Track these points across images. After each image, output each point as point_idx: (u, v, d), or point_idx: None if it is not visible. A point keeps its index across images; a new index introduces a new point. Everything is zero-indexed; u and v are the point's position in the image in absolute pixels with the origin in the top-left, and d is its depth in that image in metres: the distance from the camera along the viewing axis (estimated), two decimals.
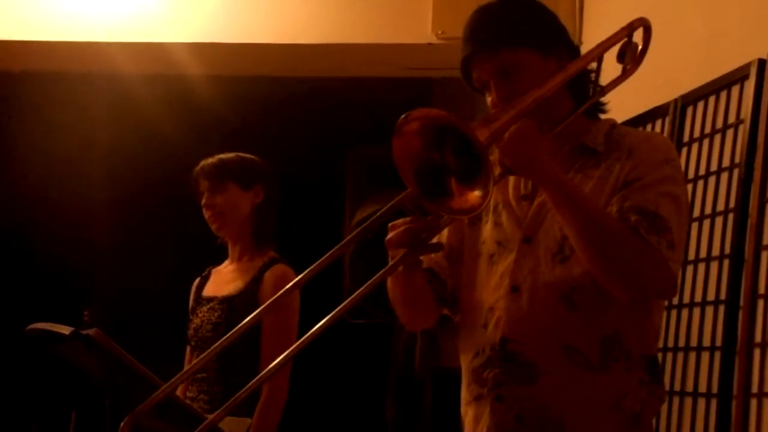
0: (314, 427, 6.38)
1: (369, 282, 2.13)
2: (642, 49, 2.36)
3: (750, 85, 3.08)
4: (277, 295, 2.28)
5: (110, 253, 6.45)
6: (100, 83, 5.66)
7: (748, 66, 3.10)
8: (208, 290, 3.64)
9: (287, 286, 2.26)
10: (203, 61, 4.97)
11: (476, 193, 1.98)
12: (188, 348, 3.64)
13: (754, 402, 2.92)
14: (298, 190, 6.78)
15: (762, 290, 2.93)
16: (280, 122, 6.43)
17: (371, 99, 6.04)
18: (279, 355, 3.31)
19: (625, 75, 2.37)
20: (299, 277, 2.18)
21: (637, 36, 2.36)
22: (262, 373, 2.17)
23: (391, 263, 2.20)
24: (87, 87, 5.71)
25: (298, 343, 2.08)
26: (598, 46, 2.30)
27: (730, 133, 3.21)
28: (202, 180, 3.63)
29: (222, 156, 3.65)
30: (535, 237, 2.26)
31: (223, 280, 3.63)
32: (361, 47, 4.87)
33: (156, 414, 2.28)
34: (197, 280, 3.73)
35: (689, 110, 3.47)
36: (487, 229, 2.35)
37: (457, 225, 2.38)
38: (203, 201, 3.62)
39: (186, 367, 3.65)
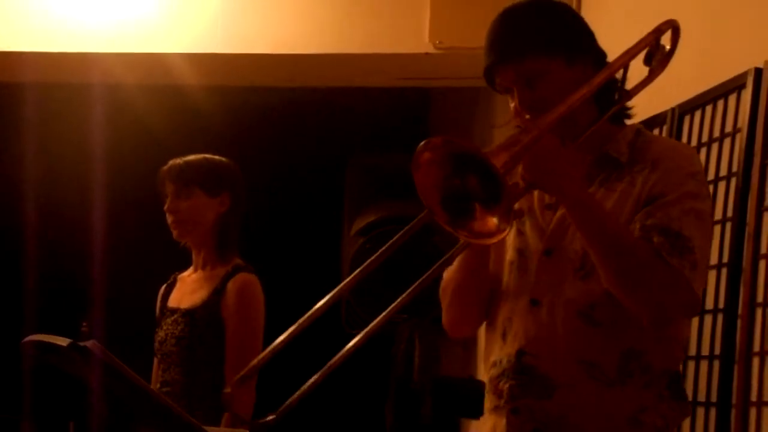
0: None
1: (444, 257, 2.12)
2: (670, 50, 2.30)
3: (747, 94, 3.08)
4: (299, 323, 2.16)
5: (109, 263, 6.44)
6: (98, 94, 5.66)
7: (744, 75, 3.10)
8: (173, 300, 3.56)
9: (305, 317, 2.18)
10: (201, 71, 4.98)
11: (495, 221, 1.95)
12: (155, 360, 3.57)
13: (753, 411, 2.91)
14: (296, 200, 6.79)
15: (760, 299, 2.92)
16: (279, 132, 6.43)
17: (369, 109, 6.06)
18: (243, 368, 3.27)
19: (651, 77, 2.31)
20: (310, 313, 2.11)
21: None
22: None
23: (457, 246, 2.17)
24: (85, 97, 5.71)
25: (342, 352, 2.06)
26: (626, 53, 2.25)
27: (727, 141, 3.21)
28: (168, 182, 3.52)
29: (189, 158, 3.54)
30: (557, 250, 2.23)
31: (187, 289, 3.55)
32: (358, 57, 4.88)
33: (152, 424, 2.27)
34: (163, 288, 3.64)
35: (686, 119, 3.47)
36: (511, 237, 2.31)
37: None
38: (166, 205, 3.51)
39: (154, 379, 3.57)
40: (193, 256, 3.59)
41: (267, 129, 6.39)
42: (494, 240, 2.00)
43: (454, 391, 3.72)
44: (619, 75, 2.28)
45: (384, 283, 5.07)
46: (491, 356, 2.32)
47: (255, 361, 2.07)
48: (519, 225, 2.31)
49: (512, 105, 2.26)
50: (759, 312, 2.92)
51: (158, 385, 3.49)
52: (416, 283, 2.13)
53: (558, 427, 2.18)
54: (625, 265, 2.09)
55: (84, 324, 3.69)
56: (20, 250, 6.30)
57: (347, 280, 2.16)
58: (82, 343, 2.08)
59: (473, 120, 5.67)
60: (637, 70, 2.32)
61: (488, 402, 2.32)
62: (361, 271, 2.13)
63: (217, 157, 3.59)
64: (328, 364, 2.08)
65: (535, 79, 2.20)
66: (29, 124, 6.15)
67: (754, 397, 2.91)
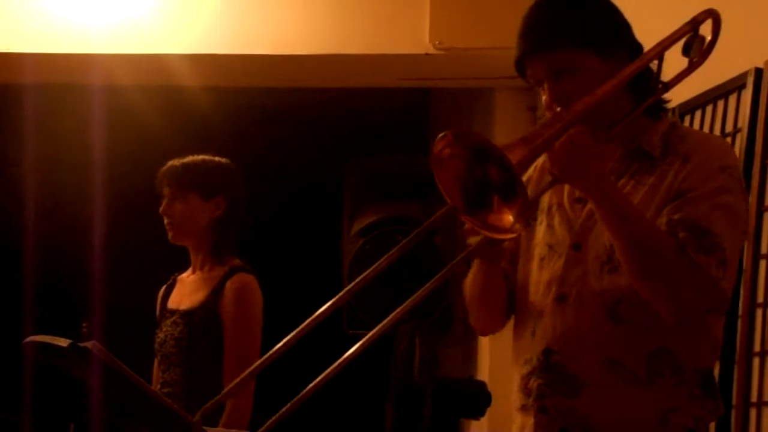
0: None
1: (440, 273, 2.10)
2: (711, 41, 2.23)
3: (747, 94, 3.08)
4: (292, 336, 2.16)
5: (108, 264, 6.44)
6: (98, 95, 5.66)
7: (745, 75, 3.10)
8: (172, 301, 3.58)
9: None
10: (201, 72, 4.97)
11: (510, 217, 1.93)
12: (156, 361, 3.58)
13: (753, 411, 2.91)
14: (296, 200, 6.78)
15: (760, 299, 2.92)
16: (278, 133, 6.43)
17: (369, 109, 6.05)
18: (241, 368, 3.32)
19: (691, 68, 2.24)
20: (321, 310, 2.10)
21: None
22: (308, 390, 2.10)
23: (463, 253, 2.18)
24: (84, 98, 5.70)
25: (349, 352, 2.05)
26: (659, 44, 2.20)
27: (727, 141, 3.21)
28: (164, 185, 3.55)
29: (188, 161, 3.57)
30: (585, 243, 2.20)
31: (186, 291, 3.57)
32: (358, 58, 4.87)
33: (151, 424, 2.27)
34: (162, 290, 3.66)
35: (687, 119, 3.47)
36: (540, 231, 2.29)
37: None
38: (161, 207, 3.55)
39: (154, 380, 3.59)
40: (191, 258, 3.60)
41: (267, 130, 6.38)
42: (508, 236, 1.98)
43: (455, 391, 3.71)
44: (654, 67, 2.23)
45: (384, 283, 5.08)
46: (522, 354, 2.28)
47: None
48: (549, 219, 2.28)
49: (544, 98, 2.22)
50: (759, 312, 2.92)
51: (159, 386, 3.51)
52: (409, 299, 2.11)
53: (584, 427, 2.16)
54: (648, 260, 2.06)
55: (84, 324, 3.71)
56: (20, 250, 6.29)
57: (359, 278, 2.15)
58: (82, 344, 2.08)
59: (473, 120, 5.67)
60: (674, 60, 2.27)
61: (516, 400, 2.30)
62: (376, 267, 2.15)
63: (216, 159, 3.60)
64: (324, 374, 2.06)
65: (565, 73, 2.17)
66: (28, 126, 6.15)
67: (754, 398, 2.91)
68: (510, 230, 1.95)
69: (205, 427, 2.24)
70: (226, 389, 2.08)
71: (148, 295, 3.76)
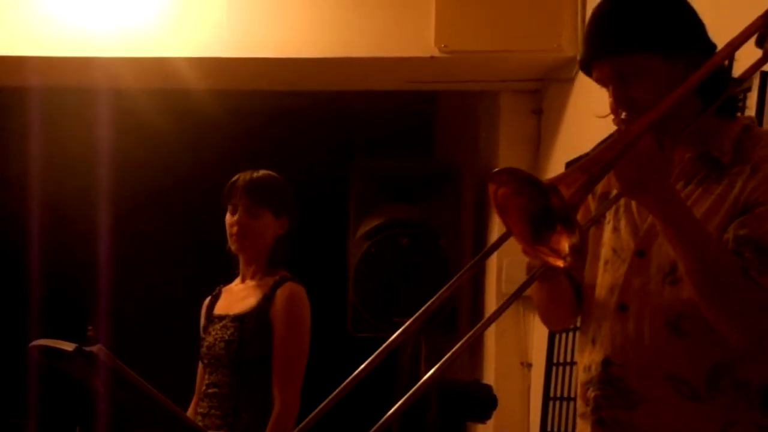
0: None
1: (525, 281, 2.09)
2: None
3: (752, 98, 3.07)
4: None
5: (114, 268, 6.45)
6: (103, 98, 5.66)
7: (750, 79, 3.09)
8: (220, 308, 3.65)
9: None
10: (206, 75, 4.98)
11: (566, 243, 1.87)
12: (200, 365, 3.66)
13: None
14: (302, 203, 6.77)
15: None
16: (284, 136, 6.43)
17: (375, 112, 6.05)
18: (290, 371, 3.42)
19: (765, 59, 2.14)
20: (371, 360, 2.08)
21: None
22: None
23: (529, 279, 2.13)
24: (89, 102, 5.71)
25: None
26: (728, 44, 2.12)
27: None
28: (241, 194, 3.58)
29: (263, 176, 3.62)
30: (649, 251, 2.14)
31: (235, 298, 3.64)
32: (364, 61, 4.87)
33: (157, 428, 2.27)
34: (207, 300, 3.73)
35: None
36: (607, 232, 2.24)
37: (584, 222, 2.24)
38: (235, 217, 3.58)
39: (198, 383, 3.66)
40: (242, 267, 3.67)
41: (272, 133, 6.38)
42: (559, 266, 1.91)
43: (460, 394, 3.72)
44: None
45: (390, 286, 5.08)
46: (582, 360, 2.25)
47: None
48: (615, 221, 2.23)
49: (609, 101, 2.16)
50: None
51: (204, 388, 3.58)
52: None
53: None
54: (711, 283, 2.00)
55: (90, 328, 3.72)
56: (26, 253, 6.29)
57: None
58: (88, 348, 2.09)
59: (479, 123, 5.67)
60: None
61: (578, 407, 2.28)
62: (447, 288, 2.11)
63: (280, 177, 3.68)
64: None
65: (630, 78, 2.10)
66: (34, 129, 6.15)
67: None
68: (565, 260, 1.89)
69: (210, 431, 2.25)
70: None
71: (154, 298, 3.77)
